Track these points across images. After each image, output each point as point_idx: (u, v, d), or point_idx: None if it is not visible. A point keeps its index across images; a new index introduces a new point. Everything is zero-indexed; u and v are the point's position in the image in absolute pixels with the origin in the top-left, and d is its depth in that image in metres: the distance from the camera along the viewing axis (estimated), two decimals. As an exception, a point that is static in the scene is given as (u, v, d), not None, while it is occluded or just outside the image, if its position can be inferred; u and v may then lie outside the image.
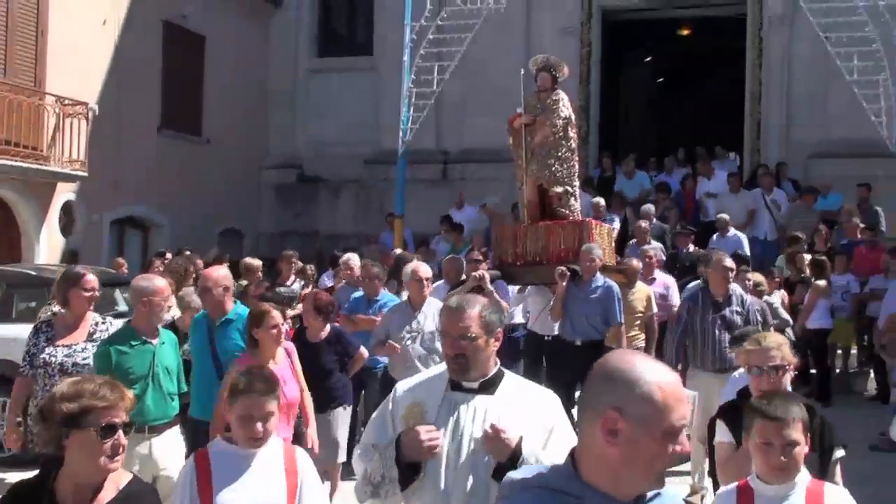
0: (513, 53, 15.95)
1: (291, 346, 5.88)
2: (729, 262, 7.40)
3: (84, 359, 5.55)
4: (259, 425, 3.44)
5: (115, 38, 15.52)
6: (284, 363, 5.58)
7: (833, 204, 13.64)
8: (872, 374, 11.04)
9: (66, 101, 14.18)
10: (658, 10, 18.08)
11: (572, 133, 9.46)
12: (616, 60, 19.51)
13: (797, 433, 3.16)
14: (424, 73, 14.31)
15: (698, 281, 8.75)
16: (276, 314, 5.46)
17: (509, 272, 9.21)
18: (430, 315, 6.88)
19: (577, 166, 9.57)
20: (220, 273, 6.19)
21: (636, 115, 22.92)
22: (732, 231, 12.47)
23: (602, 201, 13.14)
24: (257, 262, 10.83)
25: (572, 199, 9.46)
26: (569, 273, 8.36)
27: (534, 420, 3.04)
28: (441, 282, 9.47)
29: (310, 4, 19.60)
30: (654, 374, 1.99)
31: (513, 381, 3.19)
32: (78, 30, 14.59)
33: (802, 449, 3.19)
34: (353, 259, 9.46)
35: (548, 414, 3.09)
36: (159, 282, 5.61)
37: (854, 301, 11.13)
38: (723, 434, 4.07)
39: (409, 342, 6.81)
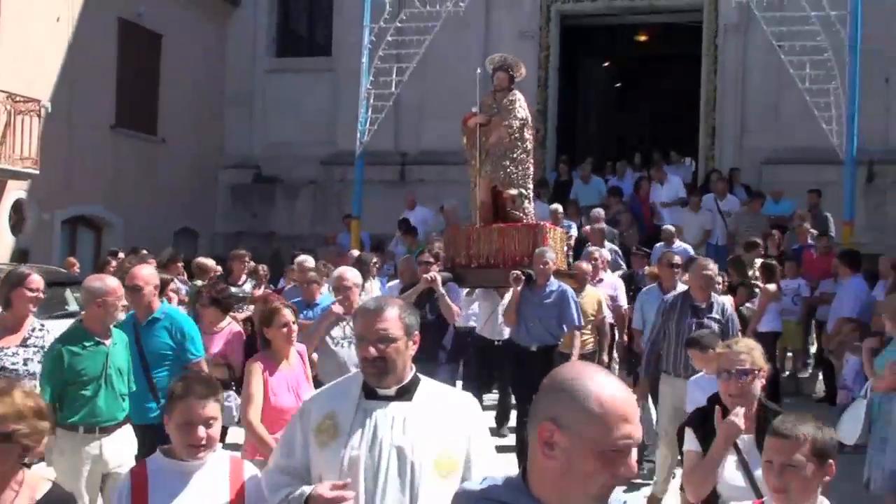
0: (471, 56, 15.94)
1: (304, 347, 5.80)
2: (711, 271, 7.11)
3: (13, 364, 5.39)
4: (201, 430, 3.17)
5: (69, 36, 15.30)
6: (297, 364, 5.52)
7: (785, 209, 13.87)
8: (821, 377, 11.23)
9: (18, 98, 13.95)
10: (615, 17, 18.23)
11: (528, 134, 9.26)
12: (574, 64, 19.64)
13: (800, 455, 2.94)
14: (383, 74, 14.30)
15: (653, 285, 8.61)
16: (286, 312, 5.38)
17: (461, 274, 8.99)
18: None
19: (531, 168, 9.39)
20: (149, 272, 6.13)
21: (595, 119, 23.08)
22: (678, 242, 12.32)
23: (560, 208, 13.02)
24: (211, 262, 10.69)
25: (526, 201, 9.26)
26: (523, 277, 8.15)
27: (452, 426, 2.97)
28: (396, 281, 9.33)
29: (268, 5, 19.49)
30: (599, 388, 1.89)
31: (429, 387, 3.09)
32: (31, 26, 14.36)
33: (810, 473, 2.95)
34: (308, 261, 9.30)
35: (466, 419, 3.01)
36: (112, 282, 5.52)
37: (804, 304, 11.31)
38: (690, 443, 4.01)
39: (344, 346, 6.43)
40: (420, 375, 3.10)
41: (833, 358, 9.91)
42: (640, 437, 1.93)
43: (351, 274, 6.67)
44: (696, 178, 16.70)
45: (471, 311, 9.32)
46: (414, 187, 16.99)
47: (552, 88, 17.72)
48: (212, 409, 3.20)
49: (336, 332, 6.49)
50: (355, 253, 11.36)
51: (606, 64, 23.51)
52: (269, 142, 19.02)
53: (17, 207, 14.45)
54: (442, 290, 8.02)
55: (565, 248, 9.87)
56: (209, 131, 18.81)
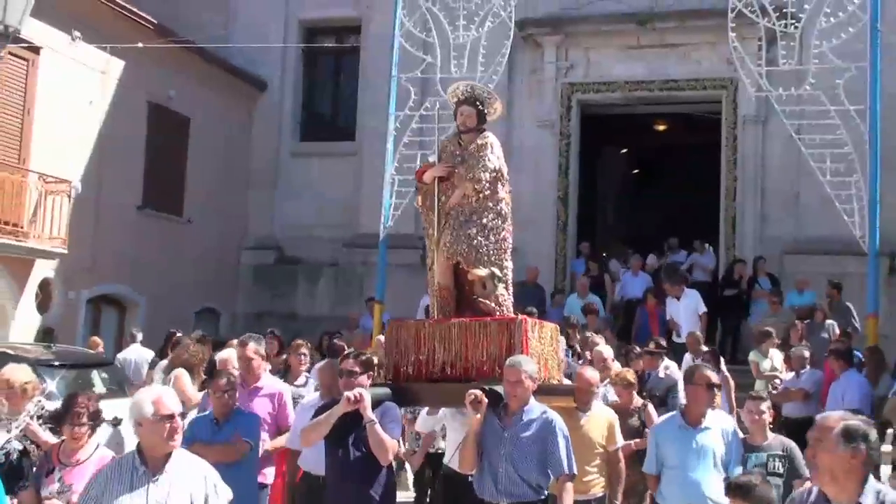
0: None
1: None
2: (867, 442, 3.51)
3: None
4: None
5: (100, 118, 15.66)
6: None
7: (809, 300, 13.89)
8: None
9: (49, 179, 14.23)
10: (634, 106, 18.53)
11: (503, 192, 6.68)
12: (594, 152, 19.91)
13: None
14: (407, 160, 14.51)
15: (673, 414, 6.56)
16: None
17: (408, 389, 6.29)
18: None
19: (509, 239, 6.76)
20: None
21: (613, 206, 23.31)
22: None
23: (607, 352, 9.35)
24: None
25: (501, 285, 6.56)
26: (486, 400, 5.56)
27: None
28: (315, 396, 6.96)
29: (294, 89, 19.94)
30: None
31: None
32: (64, 109, 14.72)
33: None
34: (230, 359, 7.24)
35: None
36: None
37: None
38: None
39: None
40: None
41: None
42: None
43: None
44: (717, 265, 16.75)
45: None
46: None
47: (573, 176, 17.93)
48: None
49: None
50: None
51: (625, 150, 23.83)
52: (292, 223, 19.27)
53: (44, 286, 14.59)
54: (372, 415, 5.51)
55: (560, 353, 7.19)
56: (233, 212, 19.08)
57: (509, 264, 6.72)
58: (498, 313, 6.45)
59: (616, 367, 9.13)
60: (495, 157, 6.59)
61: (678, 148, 22.20)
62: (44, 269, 14.53)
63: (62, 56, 14.71)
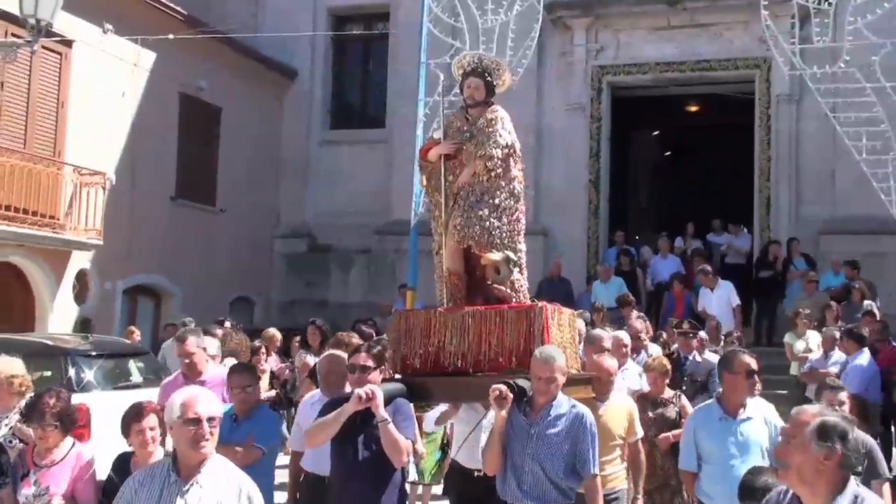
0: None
1: None
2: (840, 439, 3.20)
3: None
4: None
5: (133, 110, 15.80)
6: None
7: (845, 280, 13.75)
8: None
9: (84, 171, 14.39)
10: (665, 88, 18.36)
11: (516, 170, 6.13)
12: (625, 135, 19.76)
13: None
14: (437, 146, 14.49)
15: (709, 403, 5.92)
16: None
17: (416, 384, 5.66)
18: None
19: (523, 220, 6.22)
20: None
21: (646, 189, 23.13)
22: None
23: (626, 338, 8.08)
24: (278, 334, 10.69)
25: (516, 269, 6.01)
26: (511, 395, 5.02)
27: None
28: (315, 393, 6.37)
29: (323, 78, 19.99)
30: None
31: None
32: (97, 102, 14.88)
33: None
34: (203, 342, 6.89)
35: None
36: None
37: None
38: None
39: None
40: None
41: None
42: None
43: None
44: (752, 247, 16.60)
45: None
46: (467, 257, 17.06)
47: (604, 159, 17.82)
48: None
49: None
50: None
51: (656, 132, 23.62)
52: (323, 211, 19.35)
53: (81, 277, 14.79)
54: (385, 414, 5.04)
55: (577, 339, 6.45)
56: (265, 201, 19.19)
57: (523, 247, 6.21)
58: (514, 300, 5.95)
59: (656, 350, 8.99)
60: (507, 131, 6.05)
61: (710, 129, 21.98)
62: (80, 261, 14.72)
63: (94, 49, 14.86)
